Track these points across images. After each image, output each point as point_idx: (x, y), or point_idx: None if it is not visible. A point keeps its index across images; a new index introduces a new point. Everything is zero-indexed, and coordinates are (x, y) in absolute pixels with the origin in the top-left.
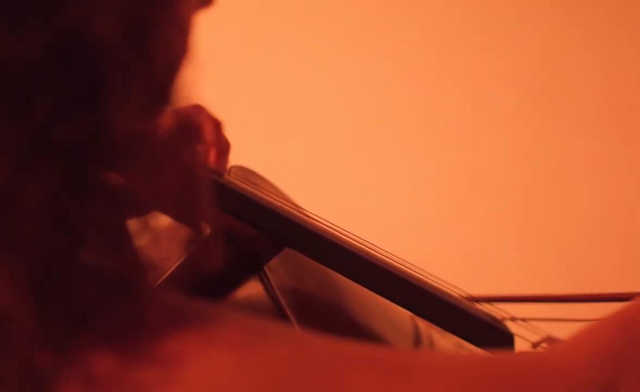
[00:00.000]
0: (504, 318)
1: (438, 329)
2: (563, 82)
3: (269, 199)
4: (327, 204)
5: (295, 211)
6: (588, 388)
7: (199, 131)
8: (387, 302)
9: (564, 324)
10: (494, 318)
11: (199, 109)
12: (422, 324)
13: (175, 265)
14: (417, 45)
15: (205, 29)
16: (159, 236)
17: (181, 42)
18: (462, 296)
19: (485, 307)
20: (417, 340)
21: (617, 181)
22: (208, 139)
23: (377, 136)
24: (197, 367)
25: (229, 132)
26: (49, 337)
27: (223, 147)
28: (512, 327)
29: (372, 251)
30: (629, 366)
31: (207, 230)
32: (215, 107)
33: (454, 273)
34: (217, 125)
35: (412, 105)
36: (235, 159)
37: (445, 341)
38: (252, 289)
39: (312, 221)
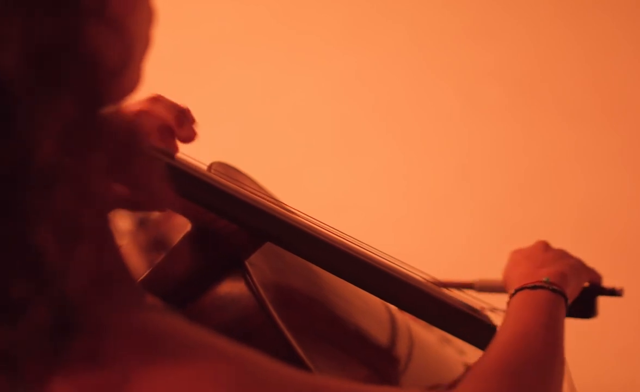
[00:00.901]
0: (486, 309)
1: (422, 322)
2: (552, 78)
3: (249, 194)
4: (317, 200)
5: (275, 206)
6: None
7: (155, 125)
8: (367, 294)
9: None
10: (476, 310)
11: (157, 99)
12: (404, 317)
13: (156, 263)
14: (406, 42)
15: (194, 25)
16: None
17: (119, 48)
18: (444, 288)
19: (469, 300)
20: (396, 334)
21: (607, 176)
22: (171, 127)
23: (367, 133)
24: None
25: (218, 130)
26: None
27: (185, 135)
28: (495, 318)
29: (355, 245)
30: None
31: (188, 226)
32: (203, 103)
33: (442, 267)
34: (179, 112)
35: (401, 101)
36: (221, 156)
37: (430, 334)
38: (233, 284)
39: (292, 215)
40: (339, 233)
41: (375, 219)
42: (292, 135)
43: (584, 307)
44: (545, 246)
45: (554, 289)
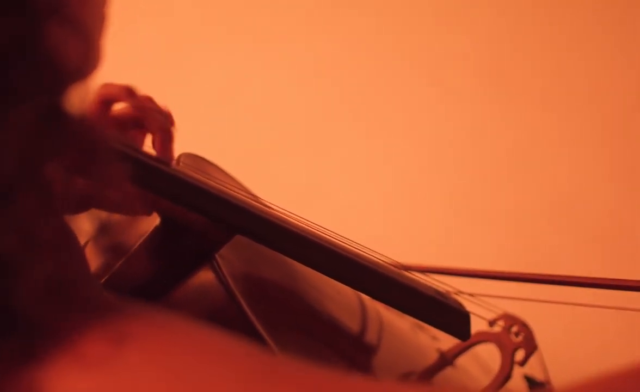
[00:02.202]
0: (459, 294)
1: (394, 310)
2: (521, 63)
3: (218, 186)
4: (287, 190)
5: (244, 198)
6: None
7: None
8: (338, 284)
9: (521, 303)
10: (448, 297)
11: (138, 98)
12: (375, 305)
13: (124, 257)
14: (376, 28)
15: (158, 14)
16: (108, 230)
17: (78, 43)
18: (417, 276)
19: (442, 287)
20: (368, 322)
21: (577, 162)
22: (150, 127)
23: (338, 121)
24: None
25: (184, 120)
26: None
27: (167, 134)
28: (467, 305)
29: (325, 235)
30: None
31: (156, 220)
32: (169, 94)
33: (412, 253)
34: (159, 111)
35: (372, 88)
36: (190, 147)
37: (402, 322)
38: (203, 277)
39: (262, 206)
40: (310, 223)
41: (347, 207)
42: (260, 125)
43: None
44: None
45: None
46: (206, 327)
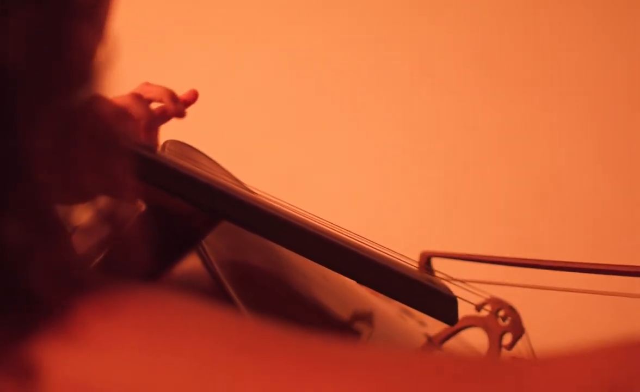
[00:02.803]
0: (447, 280)
1: (382, 295)
2: (503, 48)
3: (203, 172)
4: (273, 177)
5: (231, 184)
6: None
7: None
8: (329, 271)
9: (509, 288)
10: (436, 282)
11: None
12: (365, 291)
13: (110, 247)
14: (361, 16)
15: (143, 2)
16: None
17: (96, 39)
18: (404, 261)
19: (429, 272)
20: (357, 308)
21: (565, 148)
22: (135, 113)
23: (322, 109)
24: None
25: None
26: None
27: (152, 121)
28: (455, 290)
29: (311, 221)
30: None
31: (141, 207)
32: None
33: (399, 238)
34: (142, 99)
35: (357, 76)
36: (177, 135)
37: (390, 307)
38: (190, 264)
39: (247, 192)
40: (297, 209)
41: (332, 194)
42: (246, 113)
43: None
44: None
45: None
46: (198, 301)
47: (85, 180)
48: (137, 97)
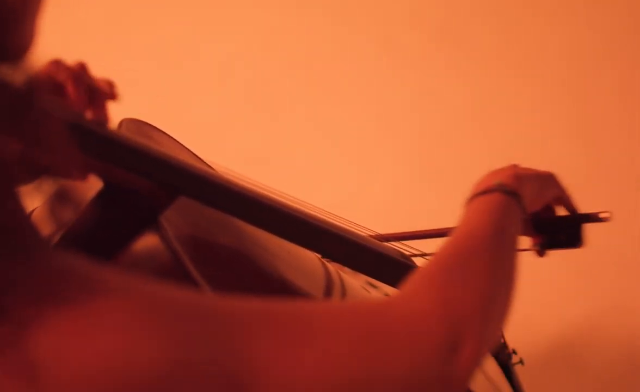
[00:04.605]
0: (413, 254)
1: (348, 269)
2: (468, 18)
3: (159, 148)
4: (240, 156)
5: (189, 160)
6: (434, 340)
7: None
8: (294, 246)
9: None
10: (402, 255)
11: (56, 67)
12: (332, 266)
13: (69, 224)
14: None
15: None
16: (51, 196)
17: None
18: (370, 236)
19: (394, 245)
20: (327, 282)
21: (526, 119)
22: (71, 96)
23: (287, 86)
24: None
25: (135, 89)
26: None
27: (96, 98)
28: (420, 263)
29: (275, 197)
30: (475, 321)
31: (99, 185)
32: (116, 63)
33: (367, 215)
34: (79, 79)
35: (322, 52)
36: (141, 115)
37: (355, 281)
38: (149, 240)
39: (204, 168)
40: (260, 186)
41: (301, 171)
42: (210, 91)
43: (570, 236)
44: (513, 165)
45: (505, 190)
46: (156, 282)
47: (26, 155)
48: (57, 62)
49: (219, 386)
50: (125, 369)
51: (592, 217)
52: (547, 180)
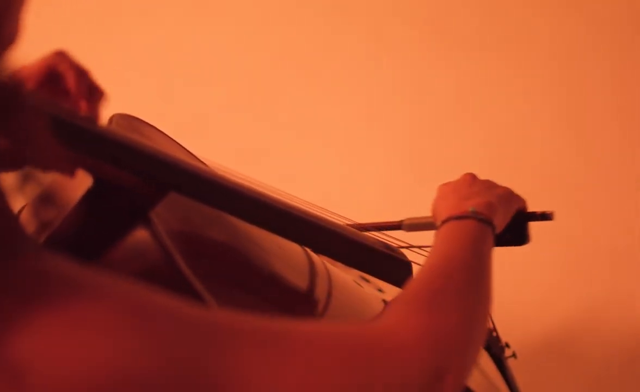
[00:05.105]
0: (406, 247)
1: (339, 263)
2: (458, 15)
3: (149, 144)
4: (232, 151)
5: (177, 155)
6: (421, 369)
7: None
8: (283, 240)
9: None
10: (390, 248)
11: (60, 58)
12: (321, 260)
13: (60, 219)
14: None
15: None
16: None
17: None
18: (358, 229)
19: (382, 238)
20: (311, 273)
21: (516, 108)
22: (71, 87)
23: (277, 79)
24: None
25: (121, 83)
26: None
27: (92, 95)
28: (412, 255)
29: (266, 192)
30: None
31: (89, 181)
32: (108, 59)
33: (357, 208)
34: (81, 72)
35: (310, 43)
36: (132, 110)
37: (347, 275)
38: (139, 236)
39: (195, 163)
40: (250, 181)
41: (289, 164)
42: (201, 87)
43: (516, 234)
44: (472, 178)
45: (480, 218)
46: (144, 286)
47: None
48: (61, 53)
49: None
50: (107, 372)
51: (537, 216)
52: (510, 200)
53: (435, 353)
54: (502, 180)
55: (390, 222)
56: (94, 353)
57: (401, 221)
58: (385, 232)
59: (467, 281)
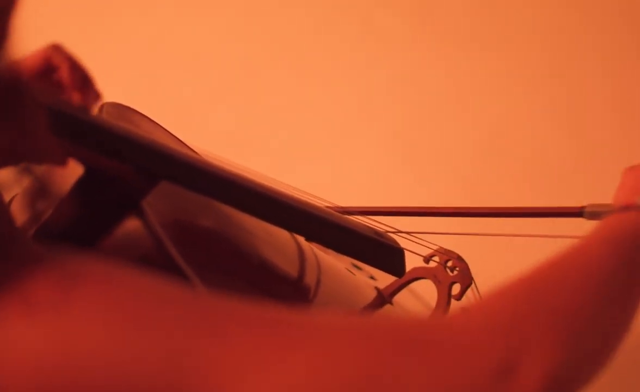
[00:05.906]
0: (394, 233)
1: (331, 251)
2: (449, 4)
3: (139, 132)
4: (221, 138)
5: (168, 144)
6: (487, 355)
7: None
8: (272, 227)
9: (456, 238)
10: (383, 235)
11: (55, 50)
12: (311, 247)
13: (50, 212)
14: None
15: None
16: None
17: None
18: (350, 216)
19: (375, 224)
20: (300, 260)
21: (510, 98)
22: (65, 79)
23: (265, 66)
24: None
25: (112, 72)
26: None
27: (84, 85)
28: (404, 243)
29: (256, 179)
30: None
31: (79, 171)
32: (98, 47)
33: (347, 195)
34: (75, 65)
35: (301, 33)
36: (123, 100)
37: (339, 262)
38: (131, 226)
39: (186, 152)
40: (242, 168)
41: (281, 153)
42: (191, 73)
43: None
44: None
45: None
46: (139, 273)
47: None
48: (57, 46)
49: (192, 386)
50: (100, 361)
51: None
52: None
53: (505, 344)
54: (495, 173)
55: (569, 207)
56: (85, 341)
57: (582, 207)
58: (399, 217)
59: (601, 271)
